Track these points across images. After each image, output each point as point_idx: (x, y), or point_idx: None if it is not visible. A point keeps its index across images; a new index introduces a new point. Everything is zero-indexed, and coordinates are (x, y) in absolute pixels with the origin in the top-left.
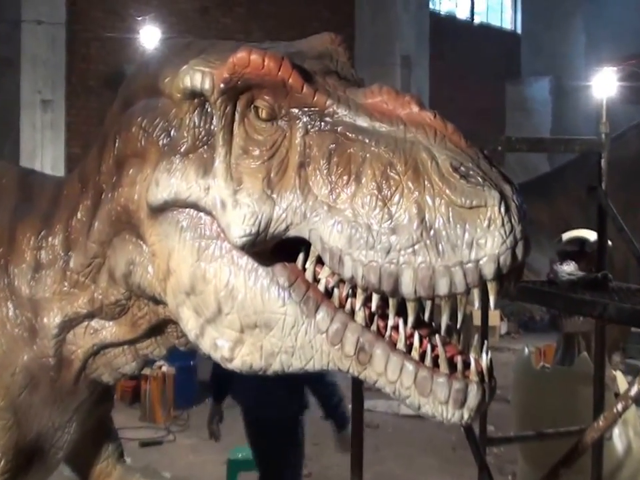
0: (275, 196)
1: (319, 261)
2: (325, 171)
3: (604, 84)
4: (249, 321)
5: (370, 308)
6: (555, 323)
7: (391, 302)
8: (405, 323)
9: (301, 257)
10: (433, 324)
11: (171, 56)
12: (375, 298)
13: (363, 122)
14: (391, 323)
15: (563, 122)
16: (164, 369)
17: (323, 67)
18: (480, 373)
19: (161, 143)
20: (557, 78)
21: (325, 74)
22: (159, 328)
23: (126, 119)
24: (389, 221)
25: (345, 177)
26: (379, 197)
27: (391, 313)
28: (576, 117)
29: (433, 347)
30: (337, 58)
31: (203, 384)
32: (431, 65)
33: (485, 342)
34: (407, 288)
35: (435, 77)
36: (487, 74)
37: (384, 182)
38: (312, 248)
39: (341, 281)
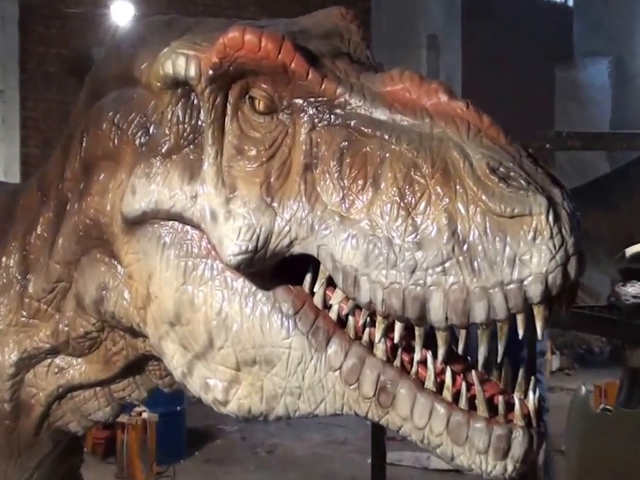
0: (275, 205)
1: (330, 283)
2: (336, 174)
3: None
4: (247, 356)
5: (392, 339)
6: (618, 356)
7: (417, 331)
8: (435, 356)
9: (308, 278)
10: (468, 358)
11: (148, 37)
12: (398, 327)
13: (381, 114)
14: (417, 357)
15: (626, 113)
16: (144, 415)
17: (332, 48)
18: (526, 416)
19: (137, 142)
20: (617, 59)
21: (334, 56)
22: (138, 366)
23: (95, 114)
24: (414, 234)
25: (360, 181)
26: (402, 204)
27: (418, 344)
28: None
29: (469, 386)
30: (349, 37)
31: (191, 433)
32: (464, 46)
33: (532, 378)
34: (436, 314)
35: (468, 60)
36: (532, 56)
37: (407, 187)
38: (321, 267)
39: (357, 307)
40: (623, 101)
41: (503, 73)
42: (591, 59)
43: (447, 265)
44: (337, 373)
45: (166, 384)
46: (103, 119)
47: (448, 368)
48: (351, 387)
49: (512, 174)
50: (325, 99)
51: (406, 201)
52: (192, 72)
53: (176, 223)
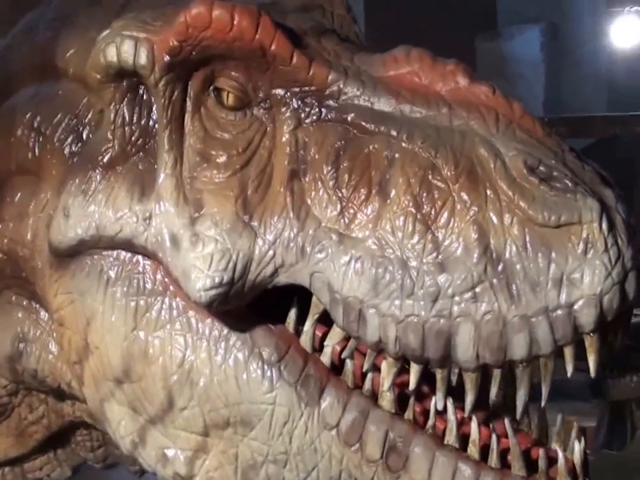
0: (255, 224)
1: (319, 320)
2: (331, 182)
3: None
4: (218, 418)
5: (399, 386)
6: (598, 388)
7: (439, 375)
8: (460, 405)
9: (292, 315)
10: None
11: (72, 15)
12: (416, 370)
13: (385, 105)
14: (439, 406)
15: (562, 93)
16: None
17: (315, 24)
18: (571, 472)
19: (67, 150)
20: (551, 27)
21: (319, 34)
22: (62, 437)
23: (4, 117)
24: (435, 253)
25: (363, 190)
26: (418, 217)
27: (440, 391)
28: (582, 84)
29: (498, 438)
30: (331, 10)
31: None
32: (367, 14)
33: (575, 425)
34: (464, 352)
35: (371, 30)
36: (447, 24)
37: (424, 194)
38: (313, 300)
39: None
40: (559, 78)
41: (413, 45)
42: (519, 28)
43: (477, 289)
44: (334, 431)
45: (98, 458)
46: (17, 123)
47: (473, 417)
48: (352, 448)
49: (555, 173)
50: (314, 88)
51: (423, 211)
52: (143, 59)
53: (122, 252)
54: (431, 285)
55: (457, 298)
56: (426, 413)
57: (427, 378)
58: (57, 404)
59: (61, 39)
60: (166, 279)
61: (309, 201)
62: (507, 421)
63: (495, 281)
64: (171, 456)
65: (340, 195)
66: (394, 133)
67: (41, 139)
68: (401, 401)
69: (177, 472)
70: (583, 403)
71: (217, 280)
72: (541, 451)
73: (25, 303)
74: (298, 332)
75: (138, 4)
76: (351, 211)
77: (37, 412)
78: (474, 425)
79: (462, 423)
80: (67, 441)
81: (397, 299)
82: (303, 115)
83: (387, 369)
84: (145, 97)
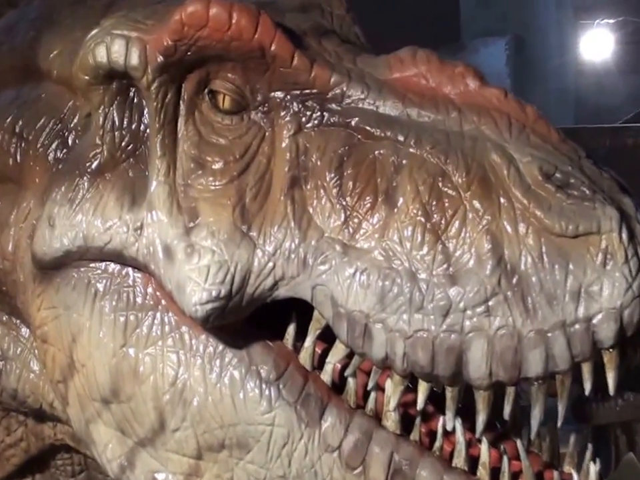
0: (254, 234)
1: (319, 336)
2: (335, 190)
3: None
4: (212, 440)
5: (402, 407)
6: (580, 411)
7: (450, 393)
8: (471, 426)
9: (291, 330)
10: (498, 425)
11: (54, 15)
12: (424, 388)
13: (391, 109)
14: (449, 426)
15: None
16: None
17: (314, 24)
18: None
19: (51, 157)
20: (517, 39)
21: (319, 35)
22: (42, 461)
23: None
24: (446, 265)
25: (369, 198)
26: (427, 226)
27: (450, 410)
28: (549, 98)
29: (509, 460)
30: (330, 10)
31: None
32: None
33: (589, 446)
34: (477, 369)
35: None
36: (412, 37)
37: (434, 202)
38: (315, 315)
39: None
40: (524, 90)
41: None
42: (484, 40)
43: (490, 303)
44: (335, 453)
45: None
46: None
47: (483, 439)
48: (355, 471)
49: (572, 180)
50: (315, 90)
51: (433, 221)
52: (134, 60)
53: (111, 264)
54: (442, 298)
55: (469, 312)
56: (431, 434)
57: (430, 397)
58: (36, 426)
59: (44, 40)
60: (158, 293)
61: (311, 210)
62: (519, 442)
63: (509, 293)
64: None
65: (344, 203)
66: (401, 138)
67: (23, 145)
68: (404, 422)
69: None
70: (565, 427)
71: (213, 293)
72: (556, 474)
73: (4, 318)
74: (296, 348)
75: (125, 3)
76: (356, 220)
77: (15, 434)
78: (484, 447)
79: (470, 445)
80: (46, 465)
81: (405, 313)
82: (303, 119)
83: (393, 388)
84: (135, 100)
